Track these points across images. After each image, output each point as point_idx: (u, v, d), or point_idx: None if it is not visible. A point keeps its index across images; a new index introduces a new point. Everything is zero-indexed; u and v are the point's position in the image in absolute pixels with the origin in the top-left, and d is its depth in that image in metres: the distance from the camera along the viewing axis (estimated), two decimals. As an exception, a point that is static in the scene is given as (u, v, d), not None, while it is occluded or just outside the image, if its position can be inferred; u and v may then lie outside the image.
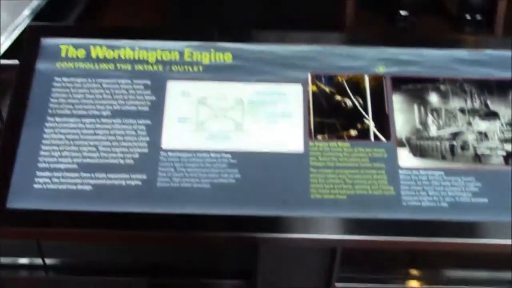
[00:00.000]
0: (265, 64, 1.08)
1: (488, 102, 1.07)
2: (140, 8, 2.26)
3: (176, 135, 1.01)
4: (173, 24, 2.15)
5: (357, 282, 1.38)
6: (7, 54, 1.87)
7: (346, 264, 1.17)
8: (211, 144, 1.00)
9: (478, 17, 1.73)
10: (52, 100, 1.03)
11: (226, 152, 0.99)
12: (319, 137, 1.02)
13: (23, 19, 2.19)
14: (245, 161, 0.99)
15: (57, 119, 1.01)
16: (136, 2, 2.31)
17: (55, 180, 0.96)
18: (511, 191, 0.97)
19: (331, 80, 1.07)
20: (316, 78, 1.07)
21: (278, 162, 0.99)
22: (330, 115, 1.04)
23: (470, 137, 1.03)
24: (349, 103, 1.06)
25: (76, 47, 1.08)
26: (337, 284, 1.19)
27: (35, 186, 0.96)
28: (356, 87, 1.07)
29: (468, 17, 1.74)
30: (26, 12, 2.23)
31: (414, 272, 1.46)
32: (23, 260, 1.48)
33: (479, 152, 1.02)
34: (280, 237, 0.96)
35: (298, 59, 1.09)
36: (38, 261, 1.48)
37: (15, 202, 0.95)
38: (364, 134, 1.03)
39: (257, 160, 0.99)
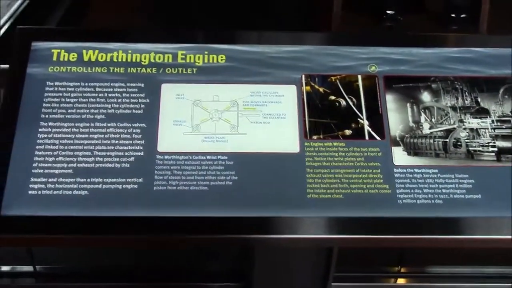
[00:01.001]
0: (258, 65, 1.08)
1: (479, 99, 1.09)
2: (121, 9, 2.24)
3: (171, 138, 1.00)
4: (158, 26, 2.14)
5: (352, 281, 1.39)
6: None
7: (341, 264, 1.18)
8: (207, 146, 1.00)
9: (463, 15, 1.75)
10: (44, 104, 1.01)
11: (222, 154, 0.99)
12: (314, 137, 1.02)
13: (4, 22, 2.16)
14: (242, 162, 0.99)
15: (50, 123, 1.00)
16: (116, 3, 2.29)
17: (50, 185, 0.95)
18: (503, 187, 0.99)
19: (324, 80, 1.08)
20: (309, 78, 1.08)
21: (274, 163, 0.99)
22: (325, 115, 1.05)
23: (462, 134, 1.05)
24: (343, 103, 1.06)
25: (68, 50, 1.07)
26: (333, 284, 1.20)
27: (30, 192, 0.95)
28: (350, 87, 1.07)
29: (453, 15, 1.77)
30: (6, 15, 2.20)
31: (407, 269, 1.48)
32: (12, 268, 1.46)
33: (471, 149, 1.03)
34: (277, 238, 0.96)
35: (291, 59, 1.09)
36: (27, 268, 1.46)
37: (9, 209, 0.93)
38: (358, 133, 1.03)
39: (253, 161, 0.99)
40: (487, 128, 1.06)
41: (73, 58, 1.06)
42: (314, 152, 1.01)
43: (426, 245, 1.00)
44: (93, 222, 0.93)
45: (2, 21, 2.17)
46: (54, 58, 1.06)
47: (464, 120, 1.06)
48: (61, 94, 1.03)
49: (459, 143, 1.04)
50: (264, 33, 1.13)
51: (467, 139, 1.04)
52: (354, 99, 1.06)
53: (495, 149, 1.03)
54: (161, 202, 0.95)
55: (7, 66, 1.07)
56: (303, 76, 1.08)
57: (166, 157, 0.98)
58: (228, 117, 1.03)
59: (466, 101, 1.08)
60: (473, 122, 1.06)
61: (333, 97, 1.07)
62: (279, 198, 0.96)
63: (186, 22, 2.04)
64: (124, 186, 0.96)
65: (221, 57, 1.08)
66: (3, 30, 2.07)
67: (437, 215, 0.96)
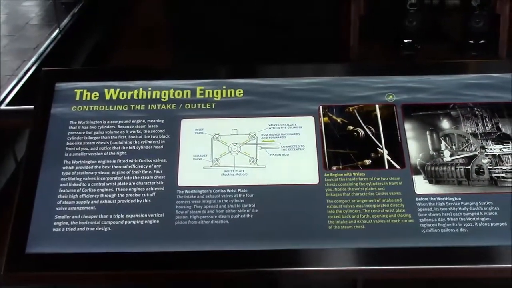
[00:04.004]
0: (276, 97, 1.09)
1: (500, 125, 1.07)
2: (143, 50, 2.30)
3: (191, 172, 1.01)
4: (180, 61, 2.18)
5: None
6: (18, 99, 1.89)
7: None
8: (227, 180, 1.01)
9: (481, 41, 1.75)
10: (68, 143, 1.04)
11: (242, 187, 1.00)
12: (334, 167, 1.02)
13: (32, 64, 2.23)
14: (262, 195, 0.99)
15: (74, 161, 1.02)
16: (138, 44, 2.36)
17: (73, 223, 0.97)
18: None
19: (342, 110, 1.08)
20: (327, 109, 1.08)
21: (294, 195, 0.99)
22: (344, 146, 1.05)
23: (485, 161, 1.03)
24: (361, 132, 1.06)
25: (90, 90, 1.10)
26: (358, 317, 1.17)
27: (54, 229, 0.96)
28: (368, 116, 1.08)
29: (471, 42, 1.76)
30: (34, 58, 2.28)
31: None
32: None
33: (494, 175, 1.02)
34: (299, 271, 0.95)
35: (308, 91, 1.11)
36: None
37: (34, 246, 0.95)
38: (378, 163, 1.03)
39: (273, 194, 0.99)
40: (510, 154, 1.04)
41: (95, 97, 1.09)
42: (334, 183, 1.00)
43: (452, 275, 0.97)
44: (115, 258, 0.94)
45: (30, 63, 2.25)
46: (77, 98, 1.09)
47: (486, 147, 1.05)
48: (84, 133, 1.05)
49: (481, 170, 1.02)
50: (281, 66, 1.15)
51: (489, 165, 1.03)
52: (372, 129, 1.06)
53: (519, 175, 1.01)
54: (182, 237, 0.95)
55: (32, 107, 1.10)
56: (321, 107, 1.08)
57: (186, 191, 0.99)
58: (247, 150, 1.04)
59: (487, 127, 1.07)
60: (495, 148, 1.05)
61: (351, 127, 1.07)
62: (300, 230, 0.96)
63: (210, 56, 2.08)
64: (145, 221, 0.97)
65: (239, 91, 1.10)
66: (30, 72, 2.14)
67: (462, 244, 0.94)
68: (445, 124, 1.07)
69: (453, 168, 1.03)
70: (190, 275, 0.96)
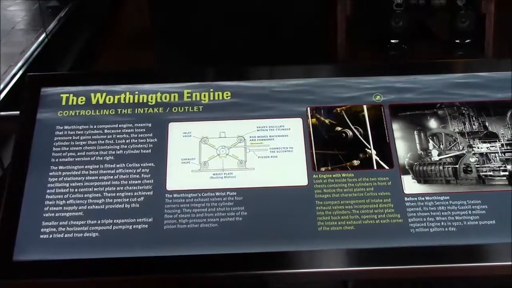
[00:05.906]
0: (263, 100, 1.09)
1: (487, 123, 1.08)
2: (130, 53, 2.29)
3: (180, 176, 1.01)
4: (167, 64, 2.18)
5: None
6: (5, 105, 1.88)
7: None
8: (216, 183, 1.00)
9: (468, 40, 1.76)
10: (54, 148, 1.03)
11: (231, 190, 0.99)
12: (323, 169, 1.02)
13: (18, 69, 2.21)
14: (251, 197, 0.99)
15: (61, 167, 1.01)
16: (125, 47, 2.34)
17: (61, 229, 0.96)
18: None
19: (330, 112, 1.08)
20: (315, 110, 1.08)
21: (283, 197, 0.99)
22: (332, 147, 1.05)
23: (472, 160, 1.04)
24: (349, 133, 1.06)
25: (76, 94, 1.09)
26: (350, 318, 1.17)
27: (42, 236, 0.95)
28: (355, 117, 1.08)
29: (457, 41, 1.77)
30: (20, 62, 2.26)
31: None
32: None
33: (482, 174, 1.02)
34: (289, 273, 0.95)
35: (296, 93, 1.11)
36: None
37: (21, 254, 0.94)
38: (367, 163, 1.03)
39: (262, 196, 0.99)
40: (497, 152, 1.05)
41: (81, 101, 1.09)
42: (323, 184, 1.00)
43: (442, 274, 0.98)
44: (104, 264, 0.93)
45: (16, 68, 2.23)
46: (63, 103, 1.08)
47: (473, 145, 1.06)
48: (70, 138, 1.04)
49: (469, 169, 1.03)
50: (268, 68, 1.15)
51: (477, 164, 1.03)
52: (360, 129, 1.07)
53: (506, 173, 1.02)
54: (172, 241, 0.95)
55: (17, 112, 1.09)
56: (308, 108, 1.08)
57: (175, 195, 0.99)
58: (236, 153, 1.04)
59: (474, 126, 1.08)
60: (482, 147, 1.05)
61: (339, 128, 1.07)
62: (290, 232, 0.96)
63: (197, 59, 2.07)
64: (134, 226, 0.96)
65: (226, 93, 1.10)
66: (17, 77, 2.12)
67: (452, 243, 0.95)
68: (433, 123, 1.08)
69: (441, 167, 1.03)
70: (180, 280, 0.95)
